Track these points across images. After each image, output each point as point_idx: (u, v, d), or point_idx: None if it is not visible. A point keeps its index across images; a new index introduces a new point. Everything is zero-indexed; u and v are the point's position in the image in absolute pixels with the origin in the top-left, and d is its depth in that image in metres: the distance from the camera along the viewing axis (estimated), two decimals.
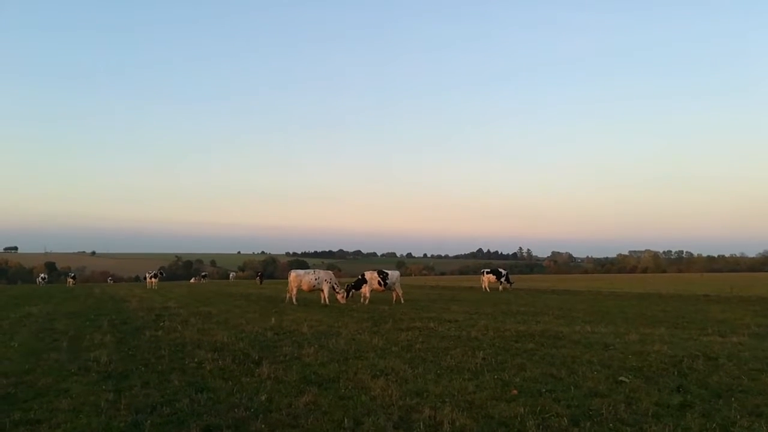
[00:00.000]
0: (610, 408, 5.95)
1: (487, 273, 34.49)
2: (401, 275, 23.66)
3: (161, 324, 14.75)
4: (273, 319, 15.50)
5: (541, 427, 5.38)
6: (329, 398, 6.55)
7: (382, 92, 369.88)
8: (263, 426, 5.51)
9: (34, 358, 9.57)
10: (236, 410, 6.06)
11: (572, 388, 6.89)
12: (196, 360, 9.15)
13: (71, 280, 58.48)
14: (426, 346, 10.47)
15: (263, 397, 6.60)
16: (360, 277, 22.63)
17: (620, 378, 7.51)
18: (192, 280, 72.69)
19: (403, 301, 21.92)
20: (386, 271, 22.73)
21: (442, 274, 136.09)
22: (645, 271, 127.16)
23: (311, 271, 22.35)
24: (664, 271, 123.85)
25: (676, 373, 7.90)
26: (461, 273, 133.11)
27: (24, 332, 13.52)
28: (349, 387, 7.10)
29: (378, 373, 7.95)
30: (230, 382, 7.47)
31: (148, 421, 5.69)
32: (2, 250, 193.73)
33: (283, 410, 6.06)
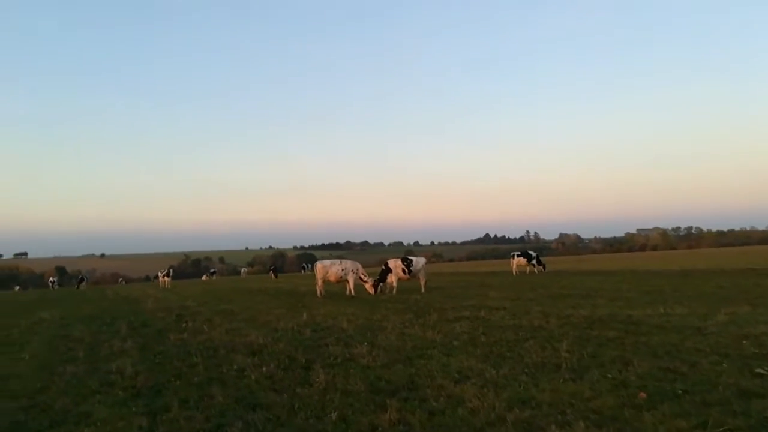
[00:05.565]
0: None
1: (518, 256, 33.28)
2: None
3: (184, 325, 13.49)
4: (304, 314, 14.19)
5: None
6: (418, 414, 5.21)
7: (378, 82, 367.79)
8: None
9: (47, 373, 8.31)
10: None
11: (720, 387, 5.51)
12: (234, 367, 7.86)
13: (81, 284, 57.74)
14: (491, 339, 9.14)
15: (334, 416, 5.29)
16: (384, 267, 21.34)
17: (757, 370, 6.16)
18: (204, 278, 71.71)
19: (423, 290, 20.43)
20: (410, 258, 21.53)
21: (451, 260, 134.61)
22: (655, 249, 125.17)
23: (337, 261, 21.07)
24: (674, 248, 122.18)
25: None
26: (469, 259, 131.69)
27: (36, 341, 12.29)
28: (435, 396, 5.78)
29: (458, 376, 6.62)
30: (284, 395, 6.16)
31: None
32: (12, 256, 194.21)
33: None
